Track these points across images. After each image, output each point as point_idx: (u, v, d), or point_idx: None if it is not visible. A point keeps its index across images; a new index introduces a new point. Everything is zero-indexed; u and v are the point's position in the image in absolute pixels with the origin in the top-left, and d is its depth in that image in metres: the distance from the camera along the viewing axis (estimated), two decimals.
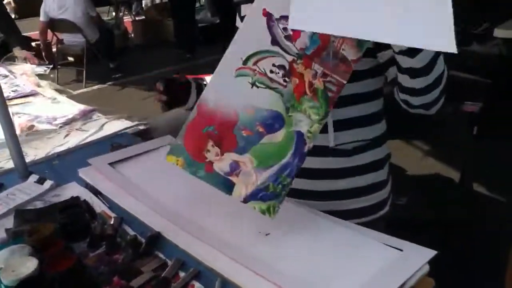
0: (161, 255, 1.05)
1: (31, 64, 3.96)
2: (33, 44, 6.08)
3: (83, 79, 5.80)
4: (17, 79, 2.79)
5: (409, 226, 1.78)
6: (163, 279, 0.96)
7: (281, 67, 0.89)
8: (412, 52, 0.90)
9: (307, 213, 1.15)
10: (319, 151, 1.15)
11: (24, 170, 1.47)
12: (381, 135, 1.26)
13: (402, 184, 1.41)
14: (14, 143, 1.45)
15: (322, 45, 0.87)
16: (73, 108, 2.28)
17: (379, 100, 1.23)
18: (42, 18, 5.67)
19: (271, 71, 0.89)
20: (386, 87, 1.23)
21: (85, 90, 5.69)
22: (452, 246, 2.25)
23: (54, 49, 6.04)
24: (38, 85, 2.70)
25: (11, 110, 2.18)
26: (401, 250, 1.00)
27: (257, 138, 0.93)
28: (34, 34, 6.27)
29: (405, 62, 0.95)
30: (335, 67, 0.89)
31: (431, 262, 0.95)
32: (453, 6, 0.76)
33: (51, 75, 5.12)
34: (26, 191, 1.34)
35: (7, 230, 1.14)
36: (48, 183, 1.37)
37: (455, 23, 0.76)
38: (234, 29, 1.29)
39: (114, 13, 8.33)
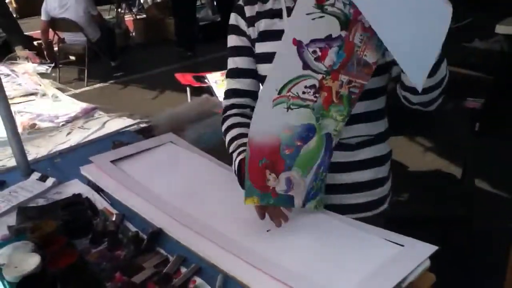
0: (162, 251, 1.06)
1: (33, 63, 3.97)
2: (35, 43, 6.09)
3: (85, 77, 5.80)
4: (19, 78, 2.80)
5: (410, 222, 1.78)
6: (164, 275, 0.97)
7: (312, 86, 0.95)
8: None
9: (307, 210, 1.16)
10: None
11: (26, 168, 1.47)
12: (384, 131, 1.27)
13: (403, 180, 1.41)
14: (16, 141, 1.46)
15: (347, 58, 0.93)
16: (75, 106, 2.29)
17: (383, 97, 1.24)
18: (43, 17, 5.67)
19: (303, 92, 0.96)
20: (389, 83, 1.24)
21: (86, 88, 5.70)
22: (453, 242, 2.25)
23: (55, 48, 6.05)
24: (40, 84, 2.71)
25: (13, 108, 2.19)
26: (402, 246, 1.00)
27: (297, 152, 1.02)
28: (36, 33, 6.27)
29: None
30: (358, 73, 0.96)
31: (431, 258, 0.96)
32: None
33: (53, 74, 5.13)
34: (29, 189, 1.35)
35: (9, 227, 1.15)
36: (50, 181, 1.38)
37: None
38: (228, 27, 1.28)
39: (115, 12, 8.33)
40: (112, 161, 1.42)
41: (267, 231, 1.08)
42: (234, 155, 1.17)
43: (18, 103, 2.41)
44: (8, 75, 2.87)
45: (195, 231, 1.10)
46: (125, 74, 6.13)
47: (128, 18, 8.50)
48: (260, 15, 1.21)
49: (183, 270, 0.99)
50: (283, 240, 1.06)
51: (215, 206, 1.20)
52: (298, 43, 0.91)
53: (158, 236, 1.10)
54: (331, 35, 0.90)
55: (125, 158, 1.45)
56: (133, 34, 7.93)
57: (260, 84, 1.26)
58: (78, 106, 2.28)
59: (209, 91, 3.57)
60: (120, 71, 6.20)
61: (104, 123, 2.04)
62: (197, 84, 3.90)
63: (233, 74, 1.30)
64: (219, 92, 3.32)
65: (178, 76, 4.11)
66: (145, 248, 1.06)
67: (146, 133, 1.87)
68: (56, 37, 5.93)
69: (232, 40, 1.27)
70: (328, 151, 1.05)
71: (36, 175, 1.42)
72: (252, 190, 1.02)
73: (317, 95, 0.96)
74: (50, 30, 5.82)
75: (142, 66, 6.43)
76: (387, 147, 1.29)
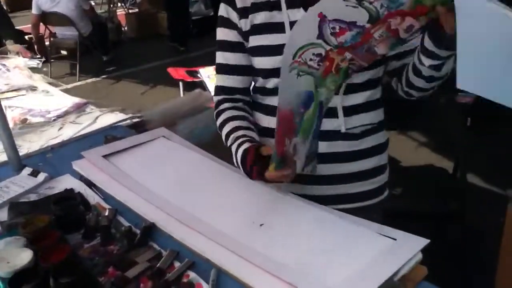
0: (155, 246, 1.05)
1: (24, 57, 3.93)
2: (26, 37, 6.03)
3: (77, 72, 5.77)
4: (10, 73, 2.78)
5: (402, 216, 1.79)
6: (158, 269, 0.97)
7: (318, 55, 0.97)
8: (440, 67, 1.06)
9: (301, 204, 1.16)
10: (330, 135, 1.20)
11: (17, 163, 1.46)
12: (383, 119, 1.30)
13: (396, 174, 1.42)
14: (7, 136, 1.44)
15: (360, 43, 0.95)
16: (67, 101, 2.27)
17: (380, 87, 1.28)
18: (34, 11, 5.61)
19: (310, 59, 0.97)
20: (383, 77, 1.27)
21: (78, 83, 5.67)
22: (445, 236, 2.27)
23: (47, 43, 6.00)
24: (31, 79, 2.68)
25: (4, 103, 2.17)
26: (395, 239, 1.01)
27: (301, 119, 1.04)
28: (26, 27, 6.21)
29: (430, 72, 1.09)
30: (363, 56, 0.98)
31: (424, 251, 0.96)
32: None
33: (44, 69, 5.09)
34: (20, 184, 1.34)
35: (1, 223, 1.15)
36: (42, 176, 1.37)
37: None
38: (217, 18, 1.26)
39: (107, 6, 8.27)
40: (104, 156, 1.41)
41: (260, 225, 1.08)
42: (234, 147, 1.18)
43: (9, 98, 2.38)
44: None
45: (188, 226, 1.09)
46: (117, 68, 6.10)
47: (120, 12, 8.44)
48: (256, 7, 1.19)
49: (177, 264, 0.99)
50: (276, 234, 1.06)
51: (208, 201, 1.20)
52: (322, 17, 0.93)
53: (151, 230, 1.10)
54: (356, 22, 0.92)
55: (117, 152, 1.44)
56: (126, 28, 7.88)
57: (260, 78, 1.26)
58: (70, 101, 2.26)
59: (202, 85, 3.57)
60: (112, 65, 6.17)
61: (96, 118, 2.03)
62: (189, 79, 3.89)
63: (222, 69, 1.29)
64: (212, 87, 3.30)
65: (171, 70, 4.10)
66: (138, 242, 1.06)
67: (138, 127, 1.87)
68: (47, 31, 5.88)
69: (223, 34, 1.26)
70: (320, 119, 1.08)
71: (27, 170, 1.41)
72: (276, 159, 1.07)
73: (320, 63, 0.98)
74: (41, 24, 5.77)
75: (135, 60, 6.40)
76: (386, 134, 1.33)
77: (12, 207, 1.21)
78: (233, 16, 1.22)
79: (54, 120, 2.06)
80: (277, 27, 1.17)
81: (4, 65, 2.92)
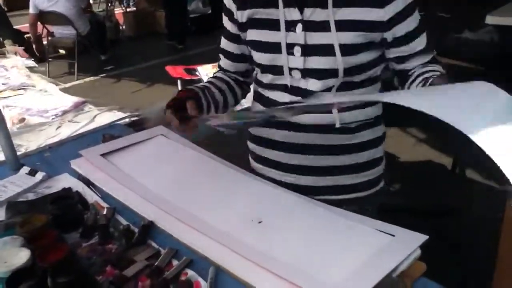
0: (154, 244, 1.05)
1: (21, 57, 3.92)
2: (25, 36, 6.01)
3: (75, 71, 5.75)
4: (8, 72, 2.78)
5: (401, 212, 1.79)
6: (156, 268, 0.97)
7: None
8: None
9: (299, 200, 1.16)
10: (324, 128, 1.21)
11: (15, 162, 1.46)
12: (380, 114, 1.31)
13: (394, 171, 1.42)
14: (5, 135, 1.44)
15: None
16: (65, 100, 2.28)
17: (379, 83, 1.29)
18: (31, 10, 5.59)
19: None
20: (385, 73, 1.28)
21: (76, 82, 5.65)
22: (444, 232, 2.27)
23: (44, 42, 5.98)
24: (29, 78, 2.68)
25: (2, 103, 2.17)
26: (393, 235, 1.00)
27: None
28: (24, 27, 6.20)
29: None
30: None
31: (422, 247, 0.96)
32: None
33: (42, 68, 5.08)
34: (18, 183, 1.34)
35: None
36: (40, 175, 1.37)
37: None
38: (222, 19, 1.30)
39: (105, 5, 8.25)
40: (103, 155, 1.40)
41: (259, 222, 1.08)
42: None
43: (6, 97, 2.38)
44: None
45: (186, 224, 1.09)
46: (115, 67, 6.09)
47: (118, 11, 8.42)
48: (254, 1, 1.20)
49: (175, 262, 0.99)
50: (274, 231, 1.06)
51: (206, 199, 1.20)
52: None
53: (149, 229, 1.09)
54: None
55: (115, 151, 1.44)
56: (123, 27, 7.85)
57: (258, 70, 1.29)
58: (68, 100, 2.26)
59: None
60: (110, 64, 6.15)
61: (94, 116, 2.03)
62: (188, 77, 3.88)
63: (220, 51, 1.37)
64: None
65: (169, 69, 4.09)
66: (137, 241, 1.05)
67: (136, 126, 1.86)
68: (45, 30, 5.86)
69: (225, 21, 1.31)
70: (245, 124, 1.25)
71: (25, 170, 1.40)
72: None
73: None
74: (39, 23, 5.76)
75: (133, 59, 6.39)
76: (383, 128, 1.33)
77: (10, 207, 1.20)
78: (232, 7, 1.25)
79: (52, 119, 2.06)
80: (273, 24, 1.17)
81: (2, 65, 2.92)
